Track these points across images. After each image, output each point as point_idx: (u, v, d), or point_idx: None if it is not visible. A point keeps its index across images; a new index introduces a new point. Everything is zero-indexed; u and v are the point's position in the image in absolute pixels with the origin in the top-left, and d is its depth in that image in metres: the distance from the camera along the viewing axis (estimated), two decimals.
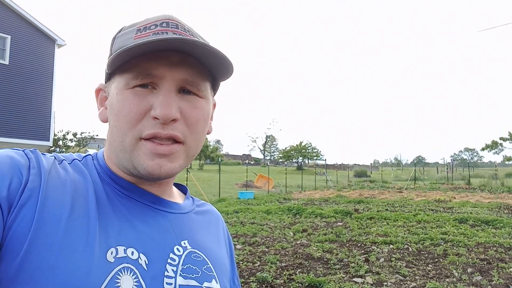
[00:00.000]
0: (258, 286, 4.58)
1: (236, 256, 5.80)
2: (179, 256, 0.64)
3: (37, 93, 19.05)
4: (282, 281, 4.76)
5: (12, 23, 18.30)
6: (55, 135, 23.09)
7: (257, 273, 4.93)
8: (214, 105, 0.75)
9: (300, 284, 4.65)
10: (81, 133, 26.51)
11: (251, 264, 5.48)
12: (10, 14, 18.25)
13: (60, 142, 24.99)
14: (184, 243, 0.67)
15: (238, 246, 6.50)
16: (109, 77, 0.66)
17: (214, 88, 0.71)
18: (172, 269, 0.61)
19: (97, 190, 0.61)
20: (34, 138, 18.83)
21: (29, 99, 18.67)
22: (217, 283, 0.67)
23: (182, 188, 0.82)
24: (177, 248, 0.65)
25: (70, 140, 25.81)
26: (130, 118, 0.60)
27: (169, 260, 0.62)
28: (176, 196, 0.76)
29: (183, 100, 0.62)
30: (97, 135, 27.89)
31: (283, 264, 5.47)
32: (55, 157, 0.63)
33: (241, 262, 5.54)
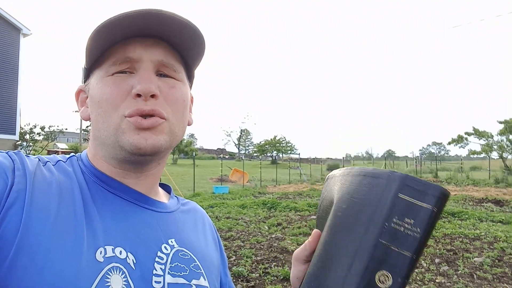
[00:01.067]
0: (234, 280, 4.60)
1: None
2: (167, 255, 0.64)
3: (1, 84, 18.23)
4: (257, 274, 4.81)
5: None
6: (21, 128, 22.17)
7: (233, 267, 4.96)
8: (192, 98, 0.76)
9: (275, 278, 4.71)
10: (49, 126, 25.49)
11: (227, 258, 5.49)
12: None
13: (27, 136, 23.99)
14: (171, 241, 0.67)
15: None
16: (87, 74, 0.67)
17: (190, 78, 0.73)
18: (161, 268, 0.62)
19: (83, 190, 0.61)
20: None
21: None
22: (205, 280, 0.68)
23: (167, 188, 0.82)
24: (165, 247, 0.65)
25: (37, 134, 24.78)
26: (112, 100, 0.61)
27: (157, 259, 0.62)
28: (161, 195, 0.76)
29: (161, 81, 0.64)
30: (66, 129, 26.87)
31: (258, 258, 5.52)
32: (39, 159, 0.63)
33: None
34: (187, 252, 0.68)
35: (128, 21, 0.59)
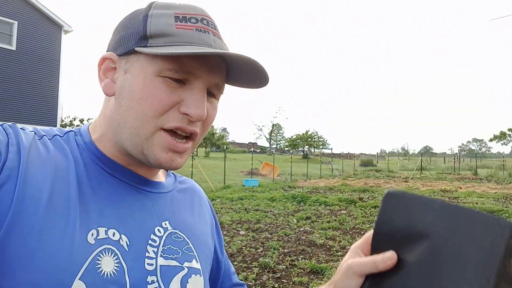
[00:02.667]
0: (260, 271, 4.62)
1: (239, 242, 5.88)
2: (160, 237, 0.64)
3: (43, 78, 19.13)
4: (284, 266, 4.80)
5: (19, 8, 18.29)
6: (62, 120, 23.27)
7: (260, 259, 4.98)
8: None
9: (302, 270, 4.68)
10: (88, 119, 26.73)
11: (254, 249, 5.53)
12: (17, 0, 18.25)
13: (67, 128, 25.17)
14: (165, 224, 0.67)
15: (242, 232, 6.55)
16: (128, 50, 0.61)
17: None
18: (153, 250, 0.62)
19: (78, 169, 0.60)
20: (41, 123, 19.00)
21: (36, 85, 18.77)
22: (197, 262, 0.68)
23: None
24: (158, 229, 0.65)
25: (77, 126, 25.98)
26: (158, 107, 0.58)
27: (150, 241, 0.62)
28: (159, 174, 0.75)
29: (208, 102, 0.63)
30: None
31: (285, 250, 5.51)
32: (35, 132, 0.61)
33: (244, 247, 5.58)
34: (180, 235, 0.68)
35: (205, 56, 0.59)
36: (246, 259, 5.05)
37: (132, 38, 0.60)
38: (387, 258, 0.56)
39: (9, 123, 0.59)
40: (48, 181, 0.55)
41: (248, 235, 6.33)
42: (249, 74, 0.65)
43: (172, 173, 0.80)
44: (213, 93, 0.64)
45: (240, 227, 6.93)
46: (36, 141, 0.59)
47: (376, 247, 0.58)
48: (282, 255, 5.30)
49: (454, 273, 0.49)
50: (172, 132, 0.60)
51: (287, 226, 7.18)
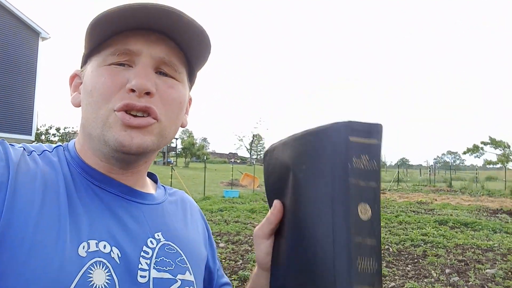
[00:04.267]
0: (240, 284, 4.59)
1: (218, 254, 5.76)
2: (153, 249, 0.63)
3: (19, 86, 18.66)
4: None
5: None
6: (37, 129, 22.63)
7: (239, 271, 4.95)
8: (190, 100, 0.74)
9: None
10: (65, 128, 26.03)
11: (233, 262, 5.49)
12: None
13: (43, 137, 24.48)
14: (158, 235, 0.66)
15: (221, 245, 6.50)
16: (85, 60, 0.66)
17: (191, 79, 0.71)
18: (146, 262, 0.61)
19: (67, 183, 0.60)
20: (15, 132, 18.45)
21: (11, 92, 18.28)
22: (190, 274, 0.67)
23: (153, 177, 0.80)
24: (151, 241, 0.64)
25: (53, 134, 25.31)
26: (105, 91, 0.59)
27: (142, 253, 0.61)
28: (149, 186, 0.75)
29: (160, 79, 0.62)
30: None
31: None
32: (24, 148, 0.61)
33: (223, 260, 5.54)
34: (173, 246, 0.67)
35: (132, 13, 0.57)
36: (226, 272, 5.01)
37: (84, 48, 0.64)
38: (273, 208, 0.61)
39: None
40: (38, 194, 0.54)
41: (228, 248, 6.29)
42: (192, 38, 0.63)
43: (162, 185, 0.80)
44: (164, 71, 0.63)
45: (220, 239, 6.88)
46: (25, 156, 0.59)
47: (270, 205, 0.63)
48: None
49: (316, 187, 0.51)
50: (125, 112, 0.59)
51: None
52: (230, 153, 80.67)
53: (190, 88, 0.72)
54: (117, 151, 0.60)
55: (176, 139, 48.41)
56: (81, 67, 0.68)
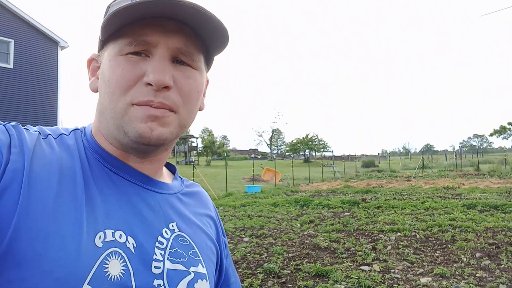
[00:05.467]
0: (265, 276, 4.60)
1: (243, 248, 5.86)
2: (167, 240, 0.62)
3: (42, 95, 19.20)
4: (289, 271, 4.78)
5: (15, 27, 18.41)
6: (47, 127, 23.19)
7: (264, 264, 4.95)
8: (207, 82, 0.73)
9: (307, 274, 4.66)
10: None
11: (258, 255, 5.50)
12: (12, 18, 18.36)
13: None
14: (172, 225, 0.65)
15: (245, 239, 6.53)
16: (102, 45, 0.64)
17: (208, 63, 0.70)
18: (161, 253, 0.60)
19: (84, 169, 0.59)
20: None
21: (34, 102, 18.84)
22: (203, 267, 0.66)
23: (171, 168, 0.80)
24: (165, 231, 0.63)
25: None
26: (123, 83, 0.58)
27: (157, 244, 0.60)
28: (165, 176, 0.74)
29: (177, 69, 0.61)
30: None
31: (290, 255, 5.48)
32: (39, 132, 0.60)
33: (248, 254, 5.56)
34: (186, 238, 0.66)
35: (151, 3, 0.55)
36: (251, 265, 5.03)
37: (100, 29, 0.62)
38: None
39: (13, 123, 0.58)
40: (54, 182, 0.54)
41: (252, 242, 6.31)
42: (210, 31, 0.62)
43: (180, 176, 0.80)
44: (182, 60, 0.62)
45: (244, 234, 6.91)
46: (41, 141, 0.58)
47: None
48: (287, 259, 5.28)
49: None
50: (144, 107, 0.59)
51: (291, 231, 7.16)
52: (250, 149, 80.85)
53: (207, 71, 0.71)
54: (137, 142, 0.59)
55: (197, 138, 48.87)
56: (98, 51, 0.66)
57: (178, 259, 0.62)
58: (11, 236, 0.47)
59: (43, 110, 19.20)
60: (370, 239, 6.29)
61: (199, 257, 0.67)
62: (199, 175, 15.96)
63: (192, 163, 34.05)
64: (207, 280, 0.66)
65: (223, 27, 0.61)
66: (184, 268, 0.62)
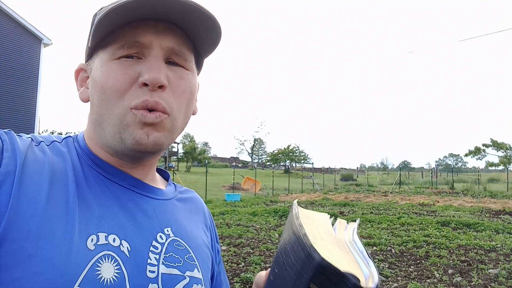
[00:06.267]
0: (242, 286, 4.59)
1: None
2: (162, 244, 0.62)
3: (22, 92, 18.73)
4: None
5: None
6: (39, 134, 22.66)
7: (241, 274, 4.95)
8: (198, 86, 0.72)
9: None
10: (66, 132, 26.09)
11: (236, 265, 5.49)
12: None
13: None
14: (167, 230, 0.65)
15: (223, 248, 6.49)
16: (91, 53, 0.64)
17: (198, 66, 0.70)
18: (155, 257, 0.60)
19: (77, 174, 0.59)
20: None
21: (14, 98, 18.35)
22: (198, 271, 0.66)
23: (164, 174, 0.80)
24: (160, 236, 0.63)
25: None
26: (118, 87, 0.58)
27: (151, 248, 0.60)
28: (158, 181, 0.74)
29: (170, 70, 0.61)
30: None
31: (267, 265, 5.48)
32: (32, 139, 0.60)
33: (226, 263, 5.53)
34: (182, 243, 0.67)
35: (139, 3, 0.56)
36: (228, 274, 5.00)
37: (88, 40, 0.62)
38: None
39: (5, 130, 0.58)
40: (46, 185, 0.54)
41: (230, 251, 6.28)
42: (202, 29, 0.62)
43: (173, 182, 0.80)
44: (174, 61, 0.62)
45: (222, 243, 6.87)
46: (33, 147, 0.58)
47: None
48: (264, 269, 5.24)
49: None
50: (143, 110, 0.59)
51: (269, 241, 7.17)
52: (231, 157, 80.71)
53: (198, 74, 0.72)
54: (134, 149, 0.60)
55: (177, 143, 48.46)
56: (86, 61, 0.66)
57: (173, 264, 0.62)
58: (1, 237, 0.47)
59: (21, 106, 18.71)
60: None
61: (195, 262, 0.67)
62: (178, 181, 15.82)
63: (172, 169, 33.67)
64: (202, 285, 0.66)
65: (212, 19, 0.61)
66: (179, 273, 0.62)
